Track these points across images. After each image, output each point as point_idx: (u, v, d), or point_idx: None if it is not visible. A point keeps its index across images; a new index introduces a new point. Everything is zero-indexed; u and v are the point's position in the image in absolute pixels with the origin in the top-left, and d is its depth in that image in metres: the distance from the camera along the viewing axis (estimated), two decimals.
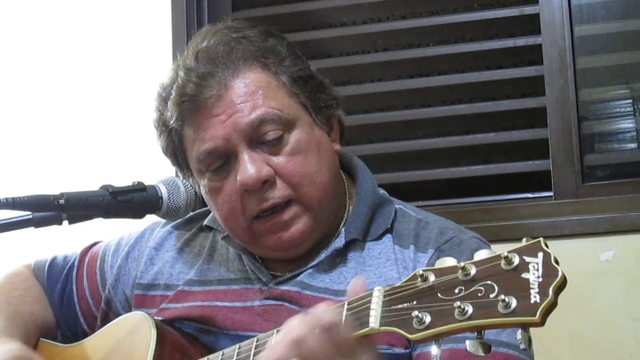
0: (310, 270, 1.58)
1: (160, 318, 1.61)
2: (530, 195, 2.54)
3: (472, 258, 1.52)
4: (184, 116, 1.56)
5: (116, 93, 2.80)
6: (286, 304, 1.56)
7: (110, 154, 2.76)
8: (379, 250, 1.58)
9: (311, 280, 1.57)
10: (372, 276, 1.55)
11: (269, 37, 1.60)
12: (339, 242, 1.59)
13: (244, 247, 1.63)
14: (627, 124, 2.57)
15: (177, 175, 1.68)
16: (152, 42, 2.78)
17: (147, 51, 2.78)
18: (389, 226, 1.61)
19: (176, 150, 1.62)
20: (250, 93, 1.54)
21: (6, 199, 1.40)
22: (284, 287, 1.58)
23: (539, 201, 2.50)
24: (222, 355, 1.47)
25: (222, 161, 1.55)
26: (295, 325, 1.21)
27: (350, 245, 1.59)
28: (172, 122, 1.58)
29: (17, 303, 1.76)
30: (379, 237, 1.60)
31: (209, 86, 1.53)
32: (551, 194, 2.49)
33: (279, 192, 1.53)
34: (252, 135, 1.53)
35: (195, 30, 2.75)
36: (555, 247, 2.61)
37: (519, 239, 2.59)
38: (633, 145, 2.56)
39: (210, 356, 1.52)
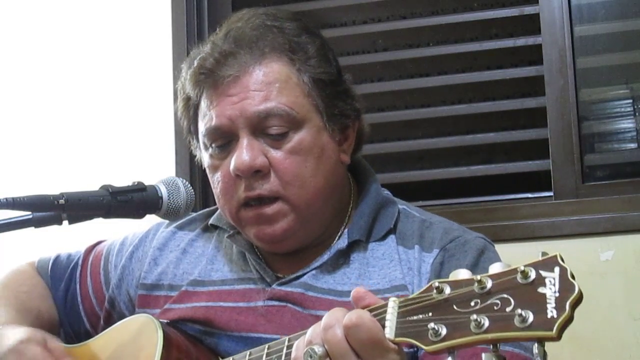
0: (313, 272, 1.59)
1: (165, 321, 1.61)
2: (530, 195, 2.54)
3: (477, 258, 1.53)
4: (201, 88, 1.58)
5: (116, 93, 2.80)
6: (289, 305, 1.56)
7: (110, 154, 2.76)
8: (383, 251, 1.58)
9: (315, 282, 1.57)
10: (375, 277, 1.55)
11: (303, 34, 1.60)
12: (342, 243, 1.59)
13: (249, 246, 1.64)
14: (627, 124, 2.57)
15: (187, 142, 1.70)
16: (152, 42, 2.78)
17: (147, 51, 2.79)
18: (392, 227, 1.61)
19: (190, 119, 1.64)
20: (266, 83, 1.54)
21: (6, 199, 1.40)
22: (288, 288, 1.58)
23: (539, 201, 2.50)
24: None
25: (225, 140, 1.56)
26: (331, 312, 1.23)
27: (353, 246, 1.59)
28: (189, 91, 1.60)
29: (25, 298, 1.76)
30: (382, 238, 1.60)
31: (229, 65, 1.54)
32: (551, 194, 2.49)
33: (268, 185, 1.54)
34: (257, 125, 1.54)
35: (195, 30, 2.75)
36: (555, 247, 2.60)
37: (519, 239, 2.60)
38: (633, 145, 2.56)
39: None
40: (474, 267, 1.51)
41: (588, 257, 2.33)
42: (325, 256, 1.59)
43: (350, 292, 1.52)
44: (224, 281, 1.65)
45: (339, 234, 1.62)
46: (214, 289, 1.64)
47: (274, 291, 1.59)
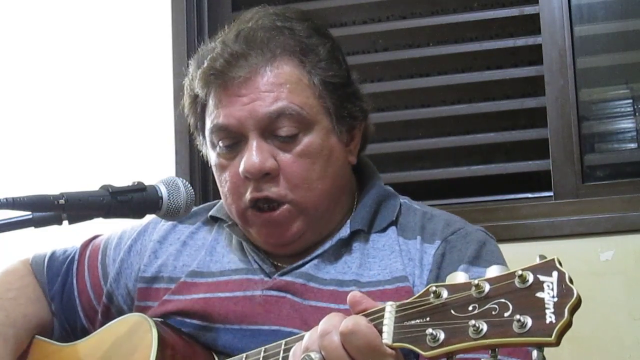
0: (315, 261, 1.59)
1: (160, 320, 1.61)
2: (530, 195, 2.54)
3: (479, 250, 1.53)
4: (209, 87, 1.58)
5: (116, 93, 2.80)
6: (289, 295, 1.56)
7: (110, 154, 2.76)
8: (383, 242, 1.59)
9: (317, 272, 1.57)
10: (376, 268, 1.55)
11: (314, 35, 1.60)
12: (344, 232, 1.60)
13: (247, 237, 1.64)
14: (627, 124, 2.57)
15: (192, 135, 1.70)
16: (152, 42, 2.78)
17: (147, 51, 2.79)
18: (394, 219, 1.62)
19: (197, 116, 1.64)
20: (277, 84, 1.53)
21: (6, 199, 1.39)
22: (289, 278, 1.58)
23: (539, 201, 2.50)
24: None
25: (233, 140, 1.56)
26: (328, 318, 1.23)
27: (355, 236, 1.60)
28: (198, 89, 1.60)
29: (9, 307, 1.74)
30: (384, 230, 1.61)
31: (239, 66, 1.53)
32: (551, 194, 2.49)
33: (276, 188, 1.54)
34: (267, 126, 1.54)
35: (195, 30, 2.75)
36: (555, 247, 2.61)
37: (519, 239, 2.60)
38: (633, 145, 2.56)
39: None
40: (475, 259, 1.52)
41: (588, 257, 2.33)
42: (327, 245, 1.60)
43: (351, 281, 1.53)
44: (223, 272, 1.65)
45: (342, 225, 1.62)
46: (213, 280, 1.64)
47: (275, 281, 1.58)
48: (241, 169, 1.53)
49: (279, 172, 1.54)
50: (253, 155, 1.52)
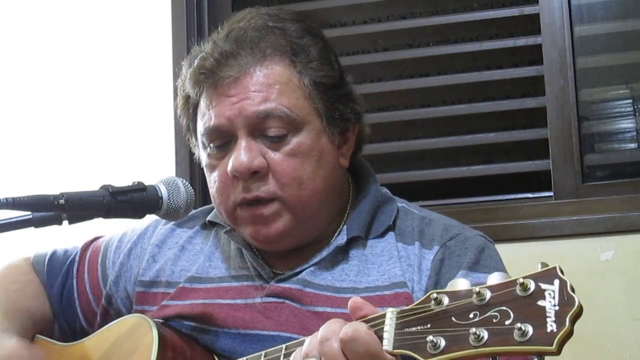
0: (312, 268, 1.58)
1: (160, 320, 1.61)
2: (530, 195, 2.54)
3: (478, 256, 1.53)
4: (200, 87, 1.57)
5: (116, 93, 2.80)
6: (287, 301, 1.56)
7: (110, 154, 2.76)
8: (382, 248, 1.58)
9: (313, 278, 1.57)
10: (375, 274, 1.55)
11: (306, 36, 1.59)
12: (341, 239, 1.59)
13: (246, 242, 1.63)
14: (627, 124, 2.58)
15: (186, 140, 1.69)
16: (152, 42, 2.78)
17: (147, 51, 2.79)
18: (391, 224, 1.61)
19: (189, 117, 1.64)
20: (267, 84, 1.53)
21: (6, 199, 1.39)
22: (286, 285, 1.58)
23: (539, 201, 2.50)
24: None
25: (224, 141, 1.56)
26: (328, 324, 1.23)
27: (352, 242, 1.59)
28: (189, 89, 1.60)
29: (15, 298, 1.75)
30: (382, 235, 1.60)
31: (229, 66, 1.53)
32: (551, 194, 2.49)
33: (266, 187, 1.53)
34: (255, 125, 1.53)
35: (195, 30, 2.76)
36: (555, 247, 2.61)
37: (519, 239, 2.59)
38: (633, 145, 2.57)
39: None
40: (474, 265, 1.51)
41: (588, 257, 2.33)
42: (324, 252, 1.59)
43: (349, 288, 1.53)
44: (222, 278, 1.64)
45: (338, 231, 1.61)
46: (212, 286, 1.64)
47: (272, 287, 1.58)
48: (229, 167, 1.53)
49: (268, 171, 1.53)
50: (241, 154, 1.52)
